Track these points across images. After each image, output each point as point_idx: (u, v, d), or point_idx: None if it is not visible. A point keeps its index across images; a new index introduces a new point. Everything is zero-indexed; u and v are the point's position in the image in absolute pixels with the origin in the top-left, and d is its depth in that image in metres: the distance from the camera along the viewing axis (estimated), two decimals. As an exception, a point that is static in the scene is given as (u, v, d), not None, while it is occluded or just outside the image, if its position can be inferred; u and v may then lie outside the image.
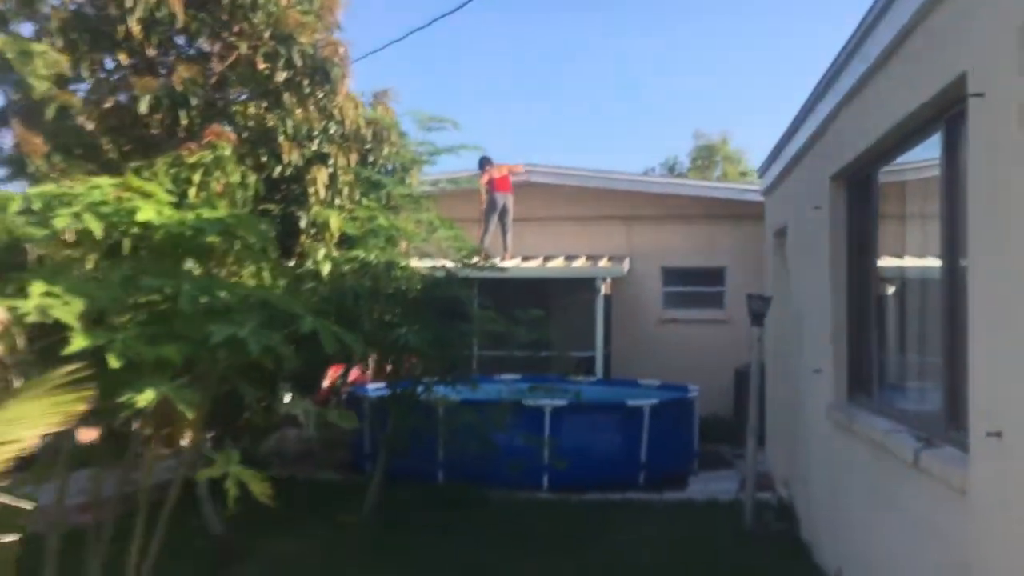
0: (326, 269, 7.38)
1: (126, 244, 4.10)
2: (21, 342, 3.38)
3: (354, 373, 11.30)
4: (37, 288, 3.27)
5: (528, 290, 12.60)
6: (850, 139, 5.63)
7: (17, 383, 3.29)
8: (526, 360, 11.46)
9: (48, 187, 4.04)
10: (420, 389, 8.42)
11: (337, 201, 9.23)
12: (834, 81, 5.86)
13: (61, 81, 7.68)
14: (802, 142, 7.30)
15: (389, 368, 8.88)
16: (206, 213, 4.21)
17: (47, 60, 5.44)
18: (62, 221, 3.74)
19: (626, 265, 14.67)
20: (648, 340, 14.78)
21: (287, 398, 8.52)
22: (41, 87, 5.84)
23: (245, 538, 7.16)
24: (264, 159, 8.83)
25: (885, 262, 5.60)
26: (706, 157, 44.55)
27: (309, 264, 7.58)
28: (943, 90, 3.79)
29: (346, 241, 8.55)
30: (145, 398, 3.26)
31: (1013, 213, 3.07)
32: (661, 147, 70.66)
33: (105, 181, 4.18)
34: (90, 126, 8.43)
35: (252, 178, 7.70)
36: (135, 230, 4.20)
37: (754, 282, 11.84)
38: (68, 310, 3.19)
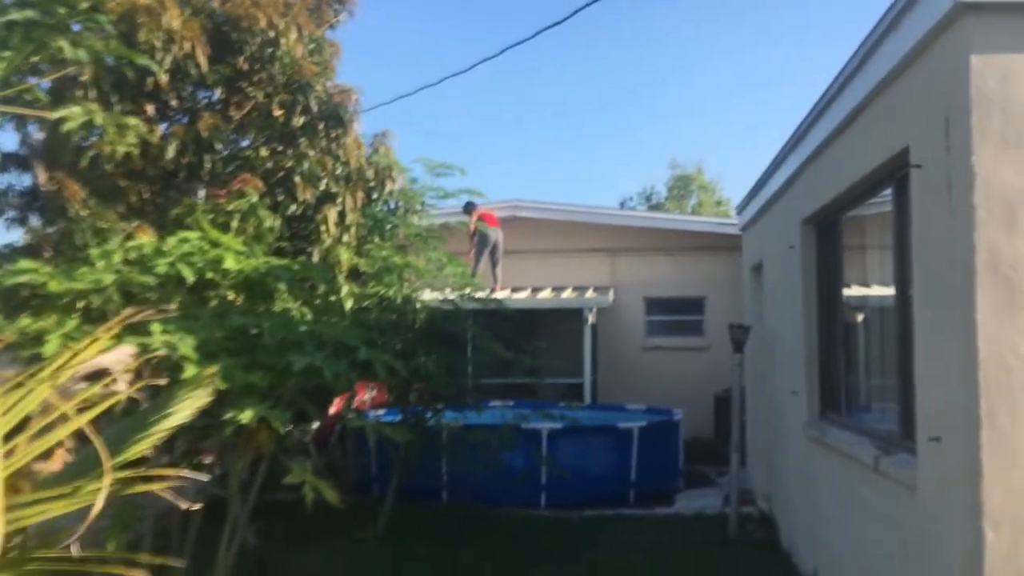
0: (348, 304, 8.08)
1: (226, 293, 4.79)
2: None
3: (356, 401, 11.98)
4: (157, 328, 3.99)
5: (519, 321, 13.35)
6: (817, 190, 6.46)
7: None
8: (516, 387, 12.15)
9: (146, 239, 4.74)
10: (429, 414, 9.12)
11: (345, 238, 9.98)
12: (801, 140, 6.72)
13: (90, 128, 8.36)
14: (775, 188, 8.14)
15: (413, 395, 9.44)
16: (274, 260, 4.94)
17: (137, 130, 6.12)
18: (163, 269, 4.46)
19: (611, 295, 15.47)
20: (632, 367, 15.56)
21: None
22: (119, 151, 6.52)
23: (275, 553, 7.80)
24: (280, 199, 9.57)
25: (852, 292, 6.42)
26: (682, 187, 45.77)
27: (332, 299, 8.28)
28: (892, 158, 4.61)
29: (355, 276, 9.26)
30: (247, 416, 3.97)
31: (940, 259, 3.88)
32: (638, 177, 71.93)
33: (193, 235, 4.88)
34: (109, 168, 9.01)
35: (277, 222, 8.49)
36: (211, 275, 4.94)
37: (732, 310, 12.66)
38: (187, 344, 3.91)
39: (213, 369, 2.99)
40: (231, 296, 5.43)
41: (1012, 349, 3.51)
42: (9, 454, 2.51)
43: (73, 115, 5.35)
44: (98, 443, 2.81)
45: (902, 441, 4.74)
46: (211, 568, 5.07)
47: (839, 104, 5.58)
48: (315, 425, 11.98)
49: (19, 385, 2.43)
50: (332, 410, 11.25)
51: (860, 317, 6.71)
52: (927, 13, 3.87)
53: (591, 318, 14.79)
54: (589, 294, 15.27)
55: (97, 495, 2.71)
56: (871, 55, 4.73)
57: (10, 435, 2.52)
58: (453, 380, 8.97)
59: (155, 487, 2.76)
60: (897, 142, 4.48)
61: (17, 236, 10.44)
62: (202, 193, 9.58)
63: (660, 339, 16.03)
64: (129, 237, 8.25)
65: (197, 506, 2.90)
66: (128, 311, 2.62)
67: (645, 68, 59.56)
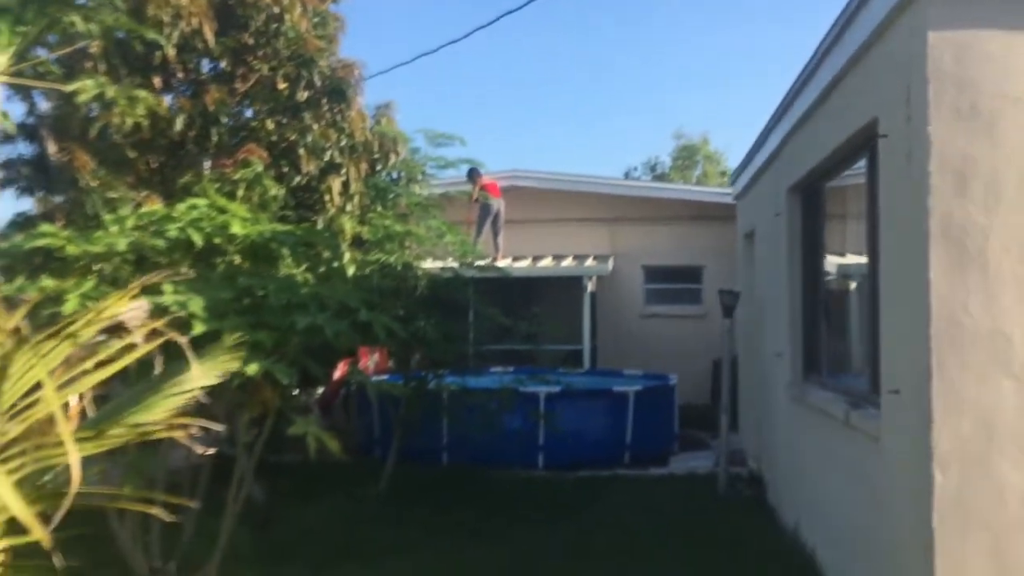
0: (351, 270, 8.35)
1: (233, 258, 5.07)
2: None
3: (362, 365, 12.32)
4: (168, 288, 4.27)
5: (520, 288, 13.66)
6: (801, 158, 6.71)
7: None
8: (516, 353, 12.46)
9: (156, 207, 5.01)
10: (431, 378, 9.44)
11: (349, 207, 10.25)
12: (787, 110, 6.96)
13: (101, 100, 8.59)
14: (765, 157, 8.38)
15: (417, 358, 9.76)
16: (279, 227, 5.21)
17: (147, 103, 6.38)
18: (173, 234, 4.74)
19: (610, 264, 15.74)
20: (631, 334, 15.86)
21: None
22: (128, 122, 6.78)
23: (279, 508, 8.15)
24: (285, 170, 9.83)
25: (833, 260, 6.68)
26: (687, 157, 45.73)
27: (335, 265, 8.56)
28: (864, 127, 4.86)
29: (358, 244, 9.54)
30: (252, 369, 4.26)
31: (902, 224, 4.14)
32: (643, 147, 71.80)
33: (201, 202, 5.15)
34: (118, 140, 9.25)
35: (281, 191, 8.74)
36: (218, 240, 5.22)
37: (729, 279, 12.92)
38: (196, 303, 4.20)
39: (237, 335, 3.27)
40: (237, 260, 5.72)
41: (962, 307, 3.78)
42: (36, 402, 2.79)
43: (85, 88, 5.60)
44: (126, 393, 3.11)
45: (870, 396, 5.02)
46: (220, 517, 5.40)
47: (820, 75, 5.81)
48: (320, 390, 12.33)
49: (50, 337, 2.70)
50: (336, 375, 11.61)
51: (842, 283, 6.97)
52: (891, -9, 4.11)
53: (590, 286, 15.07)
54: (589, 263, 15.53)
55: (120, 439, 3.01)
56: (846, 29, 4.96)
57: (38, 385, 2.78)
58: (452, 345, 9.27)
59: (174, 434, 3.05)
60: (868, 113, 4.73)
61: (27, 205, 10.72)
62: (207, 164, 9.84)
63: (658, 307, 16.32)
64: (138, 206, 8.53)
65: (211, 451, 3.19)
66: (148, 276, 2.90)
67: (653, 37, 59.37)
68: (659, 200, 16.54)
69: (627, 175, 45.14)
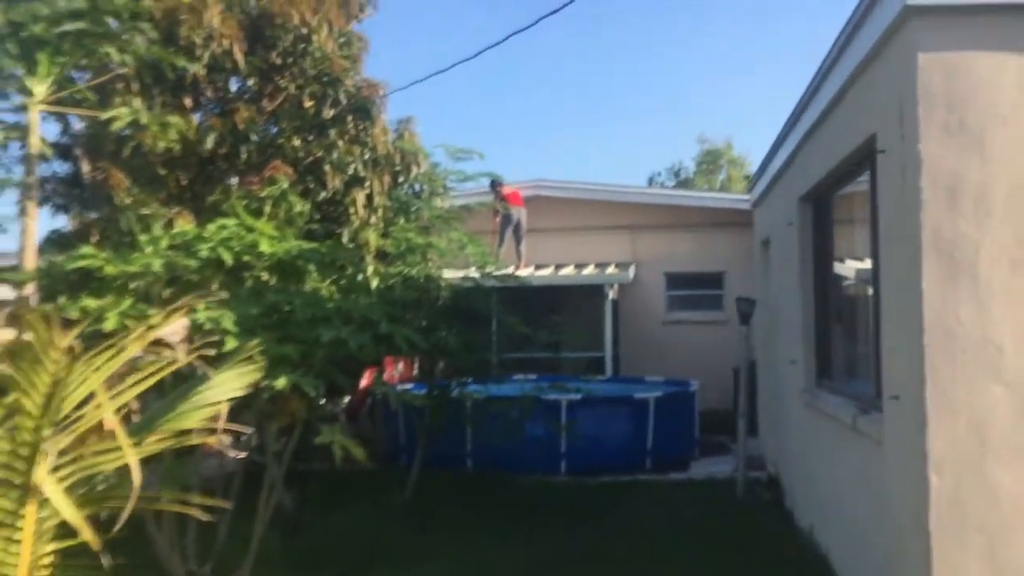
0: (375, 282, 8.61)
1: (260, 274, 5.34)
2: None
3: (384, 375, 12.58)
4: (202, 306, 4.53)
5: (542, 296, 13.87)
6: (810, 169, 6.88)
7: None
8: (539, 361, 12.66)
9: (188, 227, 5.29)
10: (454, 386, 9.68)
11: (372, 220, 10.52)
12: (796, 123, 7.13)
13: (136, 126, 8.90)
14: (778, 167, 8.55)
15: (440, 367, 10.01)
16: (305, 244, 5.47)
17: (178, 127, 6.68)
18: (205, 253, 5.01)
19: (632, 271, 15.91)
20: (653, 340, 16.00)
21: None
22: (160, 145, 7.08)
23: (307, 515, 8.40)
24: (311, 185, 10.12)
25: (852, 265, 6.84)
26: (711, 162, 45.70)
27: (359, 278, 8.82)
28: (865, 142, 5.04)
29: (382, 257, 9.79)
30: (281, 382, 4.51)
31: (898, 236, 4.32)
32: (666, 152, 71.75)
33: (230, 222, 5.42)
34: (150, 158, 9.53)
35: (306, 207, 9.02)
36: (247, 257, 5.49)
37: (750, 285, 13.02)
38: (228, 319, 4.45)
39: (255, 343, 3.51)
40: (264, 276, 5.98)
41: (954, 316, 3.95)
42: (82, 413, 3.03)
43: (121, 115, 5.90)
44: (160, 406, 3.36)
45: (875, 401, 5.18)
46: (251, 523, 5.65)
47: (824, 90, 5.98)
48: (346, 400, 12.60)
49: (101, 353, 2.95)
50: (362, 384, 11.87)
51: (856, 288, 7.12)
52: (884, 14, 4.29)
53: (612, 293, 15.24)
54: (610, 270, 15.71)
55: (159, 446, 3.26)
56: (846, 48, 5.15)
57: (86, 398, 3.03)
58: (474, 354, 9.50)
59: (208, 440, 3.29)
60: (868, 129, 4.91)
61: (61, 222, 11.06)
62: (234, 180, 10.16)
63: (680, 313, 16.45)
64: (170, 223, 8.84)
65: (243, 455, 3.41)
66: (191, 297, 3.14)
67: (675, 42, 59.41)
68: (680, 207, 16.68)
69: (651, 180, 45.24)
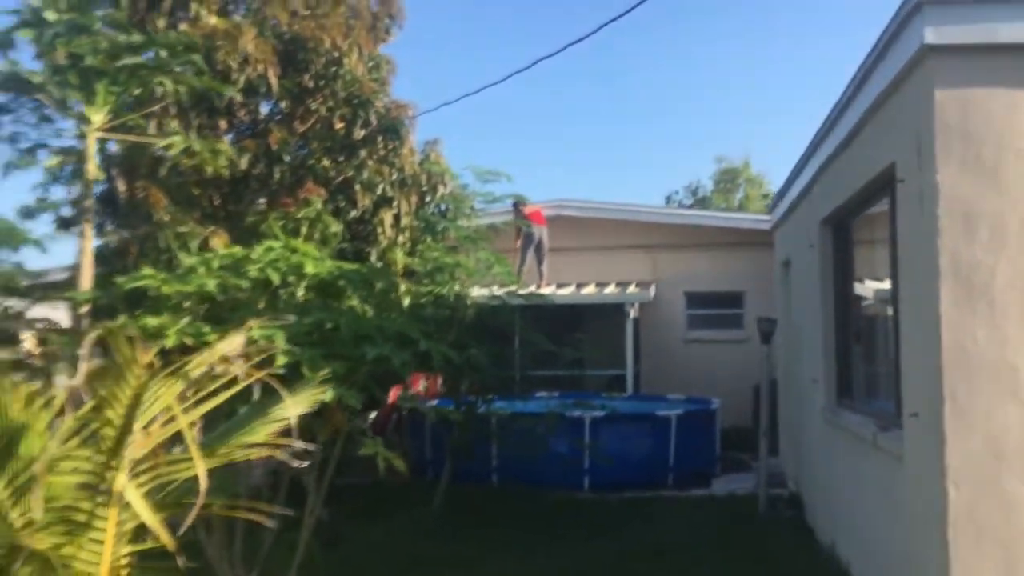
0: (406, 301, 8.87)
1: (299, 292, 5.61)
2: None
3: (413, 390, 12.82)
4: (255, 323, 4.79)
5: (563, 315, 14.10)
6: (831, 194, 7.10)
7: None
8: (561, 379, 12.86)
9: (229, 247, 5.56)
10: (481, 403, 9.92)
11: (400, 239, 10.81)
12: (817, 148, 7.36)
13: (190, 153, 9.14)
14: (798, 191, 8.77)
15: (465, 385, 10.25)
16: (346, 265, 5.74)
17: (227, 154, 6.99)
18: (254, 274, 5.28)
19: (652, 290, 16.12)
20: (674, 359, 16.18)
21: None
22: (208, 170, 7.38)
23: (343, 527, 8.64)
24: (341, 204, 10.41)
25: (865, 288, 7.04)
26: (729, 180, 45.69)
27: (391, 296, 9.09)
28: (884, 170, 5.26)
29: (408, 275, 10.05)
30: (329, 395, 4.75)
31: (917, 261, 4.54)
32: (684, 171, 71.92)
33: (276, 244, 5.69)
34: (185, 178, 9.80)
35: (339, 227, 9.29)
36: (291, 278, 5.76)
37: (770, 304, 13.20)
38: (280, 337, 4.71)
39: (326, 370, 3.77)
40: (300, 294, 6.25)
41: (971, 338, 4.16)
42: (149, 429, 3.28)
43: (176, 143, 6.19)
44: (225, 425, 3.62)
45: (896, 419, 5.38)
46: (292, 533, 5.89)
47: (845, 119, 6.22)
48: (372, 415, 12.83)
49: (174, 371, 3.20)
50: (389, 400, 12.10)
51: (877, 308, 7.32)
52: (903, 51, 4.53)
53: (633, 312, 15.45)
54: (631, 289, 15.91)
55: (228, 456, 3.52)
56: (866, 80, 5.38)
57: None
58: (500, 371, 9.74)
59: (274, 453, 3.54)
60: (887, 158, 5.13)
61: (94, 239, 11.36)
62: (262, 200, 10.47)
63: (700, 332, 16.63)
64: (205, 241, 9.14)
65: (305, 464, 3.65)
66: (264, 318, 3.40)
67: (691, 61, 59.75)
68: (700, 227, 16.89)
69: (668, 199, 45.34)
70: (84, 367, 3.15)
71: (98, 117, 5.66)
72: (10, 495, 3.13)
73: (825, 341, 7.63)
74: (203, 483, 2.89)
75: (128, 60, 5.37)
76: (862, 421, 6.22)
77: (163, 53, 5.64)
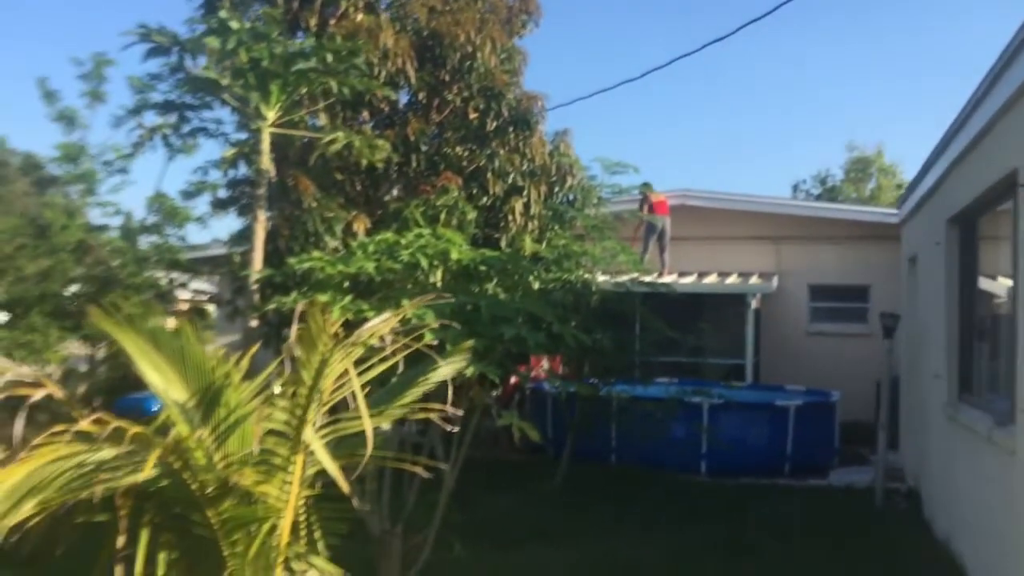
0: (536, 286, 9.36)
1: (437, 274, 6.17)
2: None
3: (535, 371, 13.34)
4: (407, 303, 5.35)
5: (684, 303, 14.34)
6: (957, 195, 7.20)
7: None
8: (680, 366, 13.13)
9: (387, 235, 6.15)
10: (603, 385, 10.36)
11: (529, 227, 11.29)
12: (946, 148, 7.45)
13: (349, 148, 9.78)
14: (926, 189, 8.83)
15: (586, 367, 10.72)
16: (488, 252, 6.25)
17: (384, 149, 7.63)
18: (405, 258, 5.86)
19: (775, 282, 16.15)
20: (794, 350, 16.18)
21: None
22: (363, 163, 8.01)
23: (471, 494, 9.23)
24: (474, 192, 10.96)
25: (993, 285, 7.13)
26: (860, 170, 44.11)
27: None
28: (1007, 175, 5.41)
29: (535, 261, 10.54)
30: (470, 370, 5.28)
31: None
32: (813, 160, 70.06)
33: (425, 231, 6.25)
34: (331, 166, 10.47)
35: (474, 213, 9.82)
36: (436, 262, 6.32)
37: (896, 298, 13.10)
38: (431, 316, 5.26)
39: (470, 343, 4.28)
40: (437, 277, 6.80)
41: (1084, 338, 4.34)
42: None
43: (339, 139, 6.84)
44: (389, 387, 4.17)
45: (1011, 414, 5.54)
46: (431, 493, 6.47)
47: (974, 120, 6.34)
48: (495, 393, 13.43)
49: (351, 342, 3.75)
50: (512, 379, 12.66)
51: (997, 307, 7.38)
52: (1027, 61, 4.70)
53: (754, 303, 15.54)
54: (753, 280, 16.00)
55: (394, 415, 4.07)
56: (992, 87, 5.53)
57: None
58: (624, 355, 10.14)
59: (428, 415, 4.07)
60: (1010, 163, 5.29)
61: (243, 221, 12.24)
62: (395, 188, 11.13)
63: (823, 325, 16.55)
64: (348, 225, 9.84)
65: (455, 428, 4.17)
66: (423, 297, 3.93)
67: (823, 46, 58.18)
68: (825, 219, 16.77)
69: (795, 188, 44.30)
70: (293, 333, 3.71)
71: (271, 114, 6.32)
72: (214, 440, 3.74)
73: (948, 337, 7.72)
74: (369, 438, 3.42)
75: (301, 65, 6.00)
76: (979, 416, 6.36)
77: (329, 57, 6.26)
